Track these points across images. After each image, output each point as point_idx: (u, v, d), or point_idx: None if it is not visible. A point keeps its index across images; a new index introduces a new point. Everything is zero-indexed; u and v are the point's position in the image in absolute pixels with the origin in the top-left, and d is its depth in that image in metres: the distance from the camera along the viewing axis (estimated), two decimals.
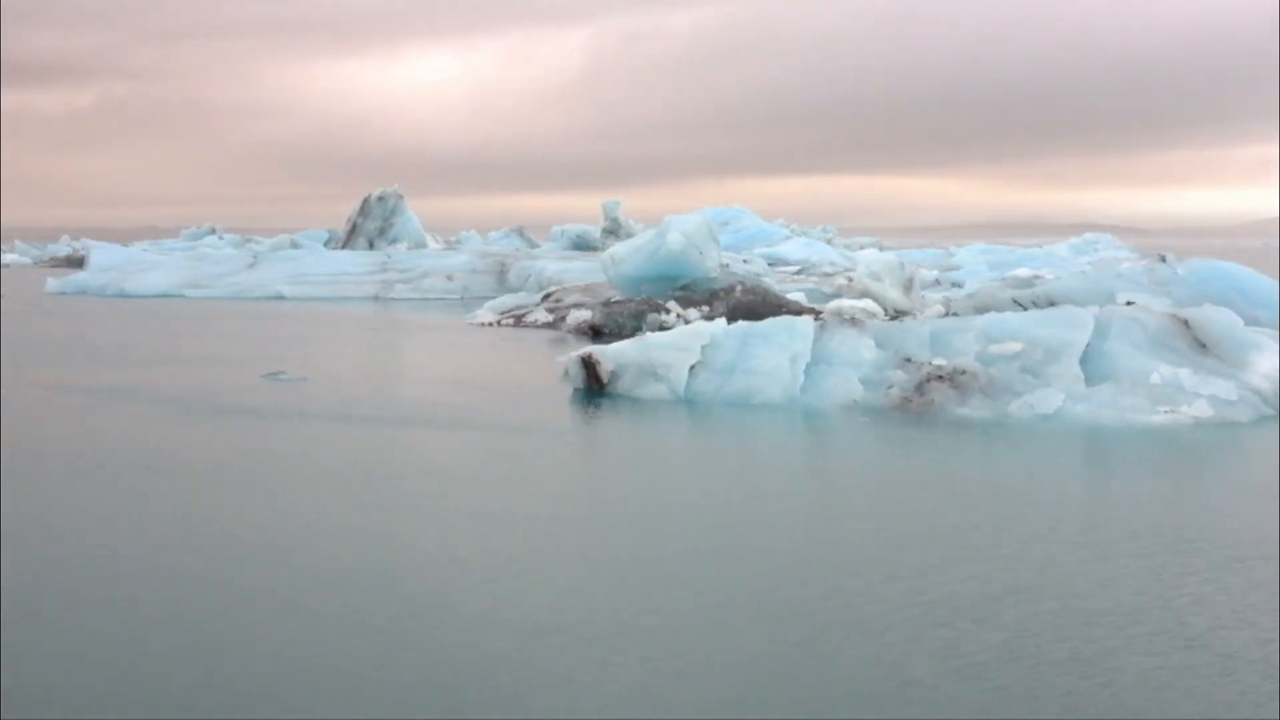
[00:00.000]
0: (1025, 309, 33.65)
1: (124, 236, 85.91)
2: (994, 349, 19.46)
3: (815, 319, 31.38)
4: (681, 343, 20.69)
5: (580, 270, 49.58)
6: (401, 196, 60.12)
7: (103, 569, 10.90)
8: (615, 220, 61.74)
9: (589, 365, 21.08)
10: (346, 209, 60.89)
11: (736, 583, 10.22)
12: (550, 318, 34.96)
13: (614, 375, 20.81)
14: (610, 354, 21.04)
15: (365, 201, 60.14)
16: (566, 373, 22.41)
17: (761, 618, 9.32)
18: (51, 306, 43.12)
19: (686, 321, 31.67)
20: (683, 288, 33.20)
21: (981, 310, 32.90)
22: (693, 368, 20.27)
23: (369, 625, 9.21)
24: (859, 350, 20.10)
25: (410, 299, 49.39)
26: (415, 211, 60.07)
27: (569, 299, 36.80)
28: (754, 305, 32.31)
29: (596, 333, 32.19)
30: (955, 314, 30.47)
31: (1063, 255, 50.41)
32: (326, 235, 62.89)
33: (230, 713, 7.68)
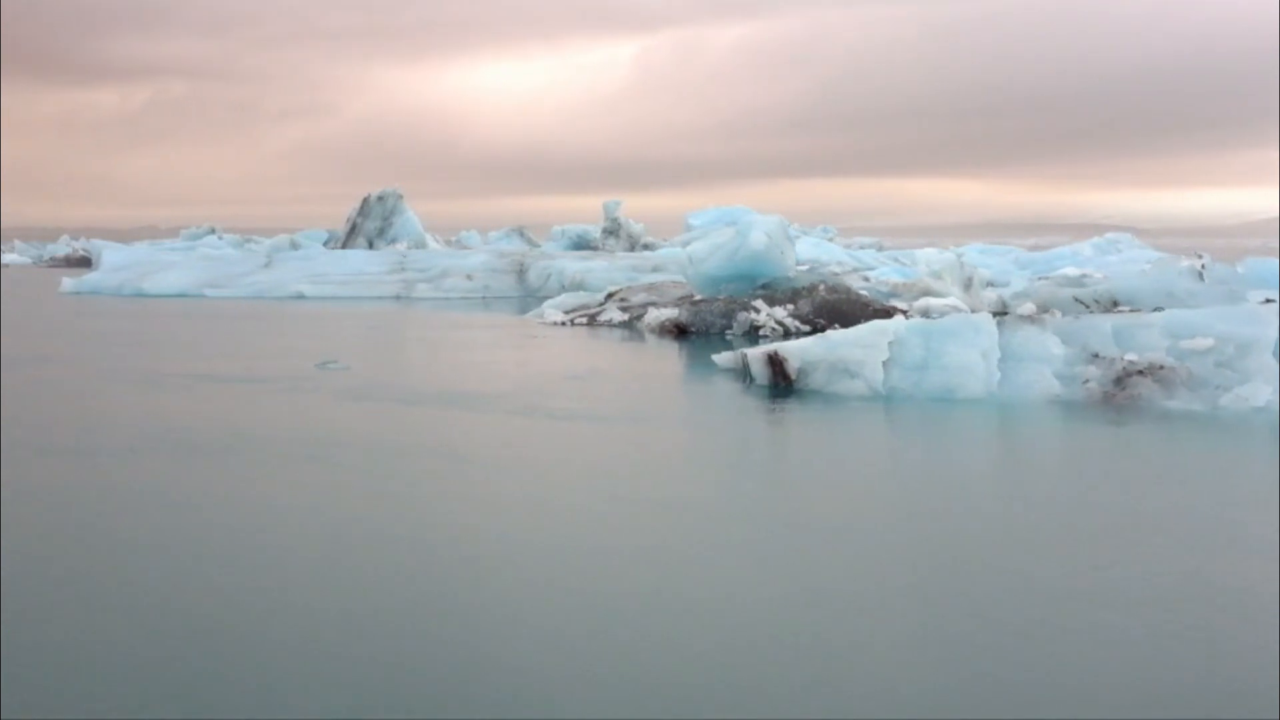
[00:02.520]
0: (1087, 307, 34.68)
1: (124, 236, 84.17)
2: (1185, 344, 20.10)
3: (905, 318, 32.00)
4: (867, 340, 21.05)
5: (603, 270, 49.73)
6: (401, 196, 59.69)
7: (276, 541, 11.41)
8: (615, 220, 61.97)
9: (775, 362, 21.37)
10: (345, 209, 60.32)
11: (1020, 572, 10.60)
12: (625, 316, 35.09)
13: (801, 372, 21.13)
14: (795, 351, 21.35)
15: (365, 201, 59.63)
16: (736, 369, 22.74)
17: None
18: (82, 306, 42.22)
19: (777, 320, 32.07)
20: (763, 286, 33.54)
21: (1044, 308, 33.78)
22: (883, 364, 20.66)
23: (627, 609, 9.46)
24: (1046, 346, 20.64)
25: (433, 298, 49.14)
26: (419, 212, 59.68)
27: (636, 298, 36.98)
28: (839, 304, 32.79)
29: (682, 331, 32.42)
30: (1046, 313, 31.12)
31: (1087, 254, 51.74)
32: (326, 235, 62.22)
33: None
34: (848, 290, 33.55)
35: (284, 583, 10.08)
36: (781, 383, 21.24)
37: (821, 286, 33.29)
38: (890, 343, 20.87)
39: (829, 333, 21.83)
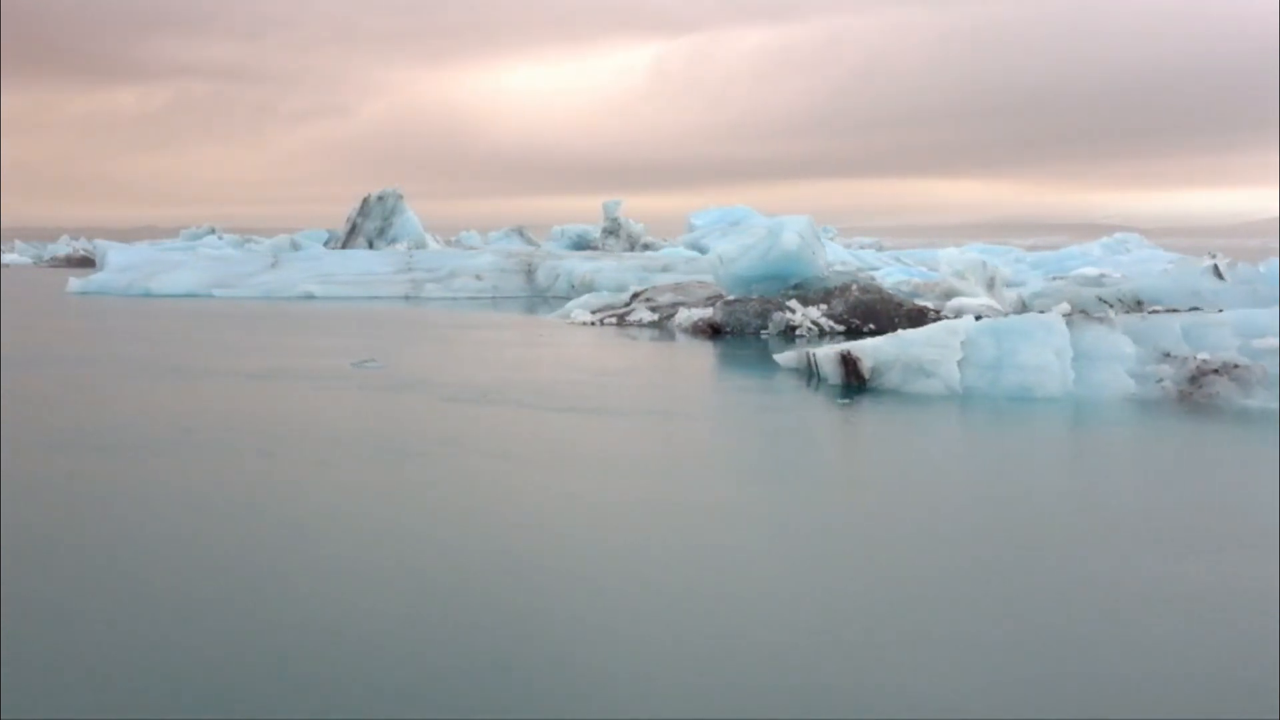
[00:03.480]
0: (1111, 306, 35.00)
1: (124, 236, 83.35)
2: (1258, 344, 20.38)
3: (937, 316, 32.20)
4: (939, 339, 21.21)
5: (612, 270, 49.78)
6: (401, 196, 59.49)
7: (375, 532, 11.58)
8: (615, 220, 61.99)
9: (848, 362, 21.50)
10: (345, 210, 60.08)
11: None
12: (655, 316, 35.15)
13: (874, 371, 21.27)
14: (868, 350, 21.49)
15: (365, 201, 59.40)
16: (800, 368, 22.87)
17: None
18: (96, 306, 41.85)
19: (813, 321, 32.21)
20: (795, 286, 33.67)
21: (1078, 309, 34.04)
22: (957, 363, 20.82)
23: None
24: (1118, 345, 20.87)
25: (443, 298, 49.07)
26: (419, 212, 59.49)
27: (662, 298, 37.04)
28: (872, 304, 32.98)
29: (716, 331, 32.50)
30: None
31: (1096, 254, 52.20)
32: (326, 235, 61.90)
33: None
34: (879, 290, 33.72)
35: (362, 578, 10.11)
36: (854, 382, 21.37)
37: (854, 286, 33.45)
38: (962, 342, 21.03)
39: (899, 332, 21.96)
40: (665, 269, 50.02)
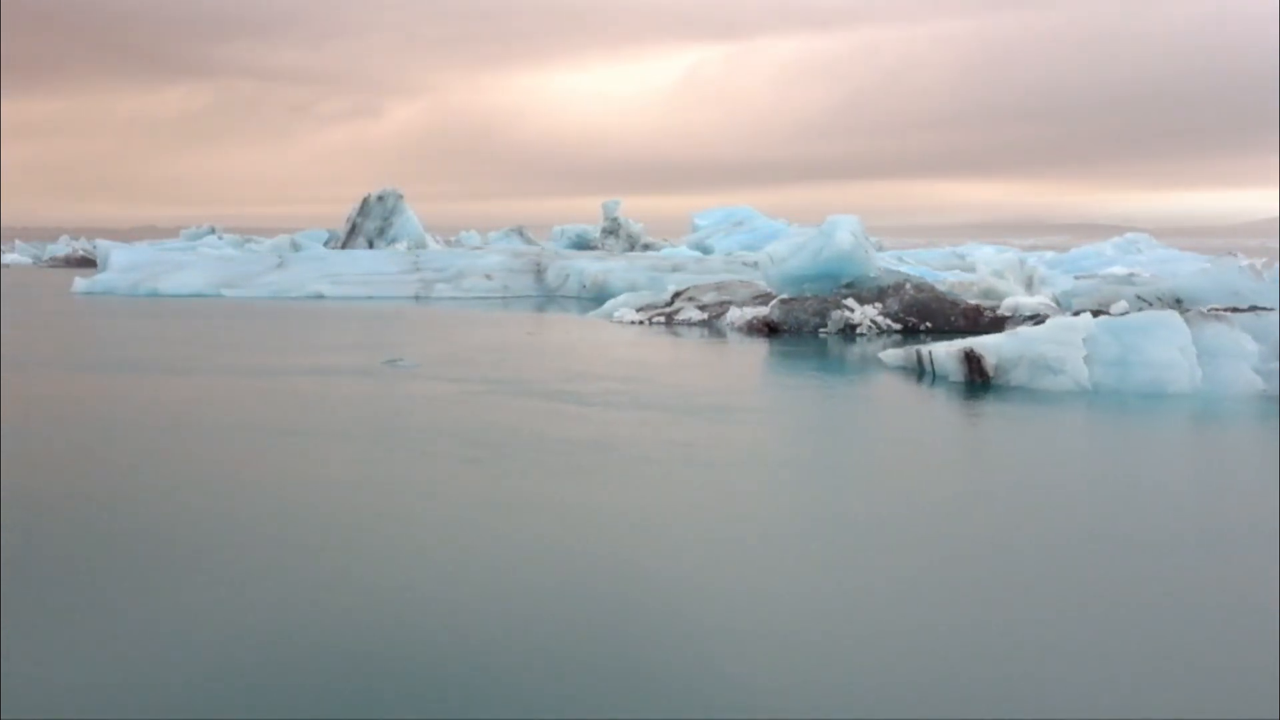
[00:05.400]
0: (1150, 304, 35.30)
1: (124, 236, 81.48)
2: None
3: (992, 315, 32.29)
4: (1060, 336, 21.21)
5: (623, 270, 49.38)
6: (401, 196, 58.74)
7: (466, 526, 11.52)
8: (615, 220, 61.68)
9: (972, 359, 21.41)
10: (342, 210, 59.29)
11: None
12: (704, 315, 34.92)
13: (998, 369, 21.20)
14: (991, 347, 21.42)
15: (365, 201, 58.59)
16: (909, 366, 22.75)
17: None
18: (110, 307, 40.79)
19: (872, 320, 32.15)
20: (847, 285, 33.58)
21: (1104, 308, 34.33)
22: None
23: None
24: (1239, 343, 20.98)
25: (453, 298, 48.47)
26: (418, 212, 58.80)
27: (706, 297, 36.81)
28: (927, 303, 33.00)
29: (772, 329, 32.34)
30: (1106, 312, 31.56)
31: (1109, 254, 52.64)
32: (327, 235, 60.98)
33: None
34: (933, 289, 33.74)
35: (472, 573, 10.03)
36: (977, 379, 21.29)
37: (908, 285, 33.44)
38: (1083, 339, 21.03)
39: (1019, 330, 21.97)
40: (675, 269, 49.76)
